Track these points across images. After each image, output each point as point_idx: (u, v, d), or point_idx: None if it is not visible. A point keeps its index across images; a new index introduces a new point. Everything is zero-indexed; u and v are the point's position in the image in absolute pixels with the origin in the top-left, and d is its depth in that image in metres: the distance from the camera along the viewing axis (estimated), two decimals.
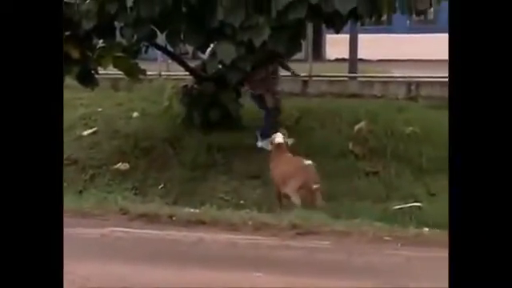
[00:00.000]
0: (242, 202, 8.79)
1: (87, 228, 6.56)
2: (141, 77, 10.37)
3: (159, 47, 10.60)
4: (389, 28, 18.66)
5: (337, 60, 17.52)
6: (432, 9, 11.30)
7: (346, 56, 14.02)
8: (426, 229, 6.84)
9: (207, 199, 8.62)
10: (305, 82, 13.06)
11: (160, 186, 9.47)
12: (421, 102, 12.03)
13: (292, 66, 10.57)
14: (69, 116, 10.74)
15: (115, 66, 10.00)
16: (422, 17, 16.74)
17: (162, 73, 13.85)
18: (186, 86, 10.68)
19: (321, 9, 7.97)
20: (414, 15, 9.13)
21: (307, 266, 5.71)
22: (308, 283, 5.31)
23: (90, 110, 11.80)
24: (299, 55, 10.13)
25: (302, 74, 12.41)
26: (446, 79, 12.09)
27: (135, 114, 11.60)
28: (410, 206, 8.31)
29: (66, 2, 8.28)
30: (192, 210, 7.47)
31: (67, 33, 8.80)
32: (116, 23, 9.08)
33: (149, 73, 10.88)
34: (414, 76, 13.20)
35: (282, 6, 7.92)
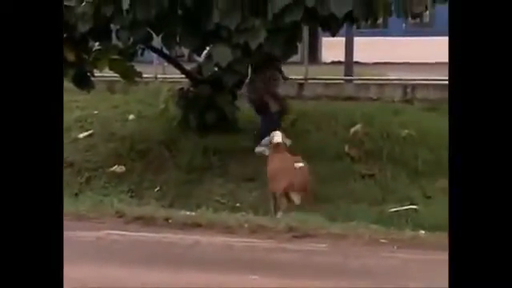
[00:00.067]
0: (238, 204, 8.79)
1: (83, 231, 6.55)
2: (137, 79, 10.37)
3: (155, 50, 10.60)
4: (385, 31, 18.71)
5: (333, 63, 17.54)
6: (427, 12, 11.32)
7: (342, 59, 14.03)
8: (422, 231, 6.85)
9: (203, 202, 8.61)
10: (301, 85, 13.06)
11: (156, 189, 9.46)
12: (416, 104, 12.05)
13: (288, 68, 10.57)
14: (65, 118, 10.66)
15: (111, 69, 9.99)
16: (418, 20, 16.75)
17: (158, 75, 13.84)
18: (182, 88, 10.68)
19: (317, 12, 7.99)
20: (409, 18, 9.14)
21: (303, 268, 5.71)
22: (304, 286, 5.31)
23: (86, 112, 11.79)
24: (295, 58, 10.17)
25: (298, 77, 12.43)
26: (442, 82, 12.19)
27: (131, 117, 11.59)
28: (406, 209, 8.32)
29: None
30: (188, 213, 7.47)
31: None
32: (112, 26, 9.08)
33: (145, 75, 10.88)
34: (409, 79, 13.22)
35: (278, 9, 7.94)
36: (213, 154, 9.81)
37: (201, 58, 9.96)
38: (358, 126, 10.30)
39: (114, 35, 9.22)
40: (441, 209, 7.80)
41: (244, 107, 10.67)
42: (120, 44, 9.32)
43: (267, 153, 8.76)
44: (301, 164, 7.88)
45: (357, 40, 13.51)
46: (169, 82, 12.69)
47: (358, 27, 10.08)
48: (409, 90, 12.72)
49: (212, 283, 5.33)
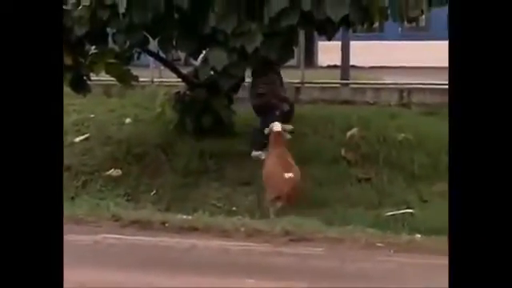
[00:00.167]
0: (234, 208, 8.79)
1: (80, 235, 6.54)
2: (133, 83, 10.36)
3: (151, 53, 10.60)
4: (381, 35, 18.70)
5: (329, 67, 17.54)
6: (423, 16, 11.34)
7: (338, 63, 14.04)
8: (419, 235, 6.86)
9: (199, 206, 8.61)
10: (297, 89, 13.06)
11: (152, 193, 9.45)
12: (413, 108, 12.06)
13: (284, 72, 10.55)
14: None
15: (107, 73, 9.98)
16: (414, 24, 16.77)
17: (155, 79, 13.83)
18: (178, 92, 10.68)
19: (313, 16, 8.00)
20: (405, 22, 9.14)
21: (300, 272, 5.71)
22: None
23: (83, 116, 11.77)
24: (291, 62, 10.14)
25: (295, 81, 12.43)
26: (438, 86, 12.21)
27: (128, 121, 11.58)
28: (403, 213, 8.33)
29: None
30: (184, 217, 7.47)
31: None
32: (108, 29, 9.07)
33: (141, 79, 10.87)
34: (406, 83, 13.22)
35: (275, 13, 7.95)
36: (209, 158, 9.81)
37: (197, 62, 9.96)
38: (354, 130, 10.31)
39: (110, 39, 9.22)
40: (437, 213, 7.81)
41: (240, 111, 10.67)
42: (116, 48, 9.32)
43: (263, 157, 8.80)
44: (290, 174, 7.86)
45: (353, 44, 13.52)
46: (165, 85, 12.68)
47: (354, 31, 10.09)
48: (405, 93, 12.73)
49: (208, 287, 5.33)
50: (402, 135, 10.04)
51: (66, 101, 11.44)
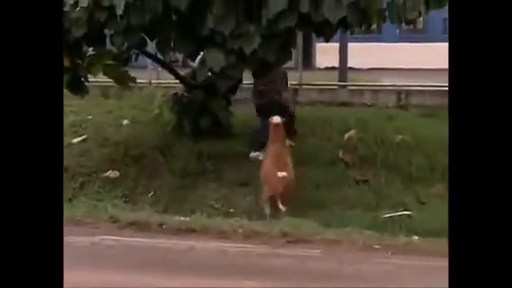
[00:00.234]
0: (232, 210, 8.78)
1: (77, 236, 6.54)
2: (131, 84, 10.35)
3: (149, 55, 10.59)
4: (379, 37, 18.74)
5: (327, 68, 17.55)
6: (421, 18, 11.34)
7: (336, 65, 14.04)
8: (416, 237, 6.87)
9: (197, 207, 8.61)
10: (295, 91, 13.06)
11: (150, 194, 9.44)
12: (411, 110, 12.06)
13: None
14: None
15: (105, 74, 9.98)
16: (412, 26, 16.79)
17: (152, 81, 13.82)
18: (176, 93, 10.68)
19: (311, 18, 8.01)
20: (403, 24, 9.15)
21: (298, 274, 5.72)
22: None
23: (80, 117, 11.77)
24: (289, 64, 10.16)
25: (293, 83, 12.42)
26: (436, 88, 12.22)
27: (125, 122, 11.58)
28: (400, 215, 8.33)
29: None
30: (182, 218, 7.47)
31: None
32: (106, 31, 9.06)
33: (139, 80, 10.87)
34: (403, 85, 13.23)
35: (273, 15, 7.95)
36: (207, 159, 9.80)
37: (195, 64, 9.96)
38: (352, 132, 10.31)
39: (108, 40, 9.21)
40: (435, 215, 7.83)
41: (238, 112, 10.68)
42: (114, 49, 9.31)
43: (261, 157, 8.82)
44: (284, 173, 7.99)
45: (351, 46, 13.52)
46: (163, 87, 12.69)
47: (352, 33, 10.08)
48: (403, 95, 12.74)
49: None
50: (400, 137, 10.05)
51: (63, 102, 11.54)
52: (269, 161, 8.35)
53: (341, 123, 10.71)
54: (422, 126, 10.72)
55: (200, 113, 10.17)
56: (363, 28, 9.11)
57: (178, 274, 5.66)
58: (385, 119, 11.08)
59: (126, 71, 10.06)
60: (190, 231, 6.93)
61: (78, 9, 8.47)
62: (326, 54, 16.59)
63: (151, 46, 9.70)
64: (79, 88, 9.99)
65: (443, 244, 6.24)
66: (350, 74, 13.71)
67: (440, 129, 9.86)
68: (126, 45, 9.05)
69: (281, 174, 7.98)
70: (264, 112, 9.57)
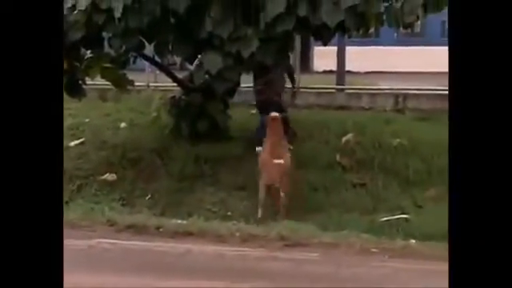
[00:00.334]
0: (229, 213, 8.78)
1: (74, 239, 6.52)
2: (129, 87, 10.34)
3: (147, 58, 10.59)
4: (376, 40, 18.77)
5: (324, 72, 17.55)
6: (419, 22, 11.37)
7: (334, 68, 14.04)
8: (413, 241, 6.87)
9: (195, 210, 8.61)
10: (293, 94, 13.06)
11: (147, 197, 9.44)
12: (408, 114, 12.06)
13: None
14: None
15: (103, 77, 9.97)
16: (409, 29, 16.83)
17: (150, 83, 13.81)
18: (173, 96, 10.68)
19: (309, 21, 8.02)
20: (401, 28, 9.16)
21: (295, 277, 5.71)
22: None
23: (78, 120, 11.76)
24: None
25: (290, 86, 12.42)
26: (433, 91, 12.23)
27: (123, 125, 11.57)
28: (397, 218, 8.33)
29: None
30: (179, 222, 7.47)
31: None
32: (104, 34, 9.06)
33: (137, 83, 10.86)
34: (401, 88, 13.22)
35: (271, 18, 7.96)
36: (204, 163, 9.80)
37: (193, 67, 9.96)
38: (349, 135, 10.32)
39: (106, 43, 9.21)
40: (432, 218, 7.83)
41: (236, 116, 10.68)
42: (112, 52, 9.30)
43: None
44: (280, 161, 8.28)
45: (348, 49, 13.54)
46: (161, 90, 12.68)
47: (350, 36, 10.10)
48: (400, 99, 12.74)
49: None
50: (397, 140, 10.05)
51: None
52: (266, 150, 8.60)
53: (338, 127, 10.71)
54: (420, 129, 10.73)
55: (198, 116, 10.17)
56: (361, 32, 9.14)
57: (175, 277, 5.65)
58: (382, 123, 11.08)
59: (124, 74, 10.05)
60: (187, 234, 6.93)
61: (75, 12, 8.48)
62: (323, 57, 16.59)
63: (149, 49, 9.71)
64: (77, 91, 9.98)
65: (440, 248, 6.26)
66: (347, 78, 13.72)
67: (437, 132, 9.88)
68: (123, 47, 9.05)
69: (277, 161, 8.24)
70: (264, 109, 9.66)
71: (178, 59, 13.32)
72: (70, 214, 7.60)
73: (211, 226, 7.24)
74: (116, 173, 9.89)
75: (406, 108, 12.44)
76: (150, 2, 8.28)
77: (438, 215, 7.79)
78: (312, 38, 11.23)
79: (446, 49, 3.30)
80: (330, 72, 15.31)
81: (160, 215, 8.47)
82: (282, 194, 8.07)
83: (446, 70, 3.14)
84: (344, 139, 10.26)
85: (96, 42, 9.19)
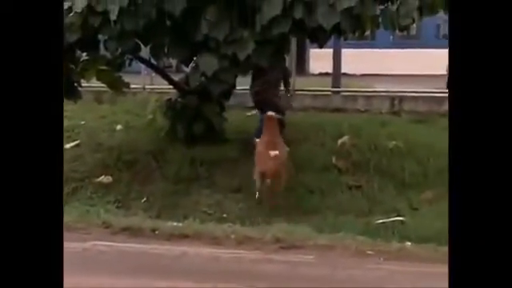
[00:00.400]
0: (224, 215, 8.77)
1: (69, 242, 6.48)
2: (124, 90, 10.33)
3: (143, 60, 10.59)
4: (372, 43, 18.79)
5: (320, 74, 17.57)
6: (414, 24, 11.38)
7: (330, 70, 14.05)
8: (409, 243, 6.88)
9: (190, 213, 8.60)
10: (288, 96, 13.07)
11: (143, 200, 9.42)
12: (404, 116, 12.08)
13: None
14: None
15: (99, 79, 9.96)
16: (405, 32, 16.88)
17: (146, 86, 13.80)
18: (169, 99, 10.67)
19: (304, 24, 8.03)
20: (396, 31, 9.18)
21: (290, 279, 5.71)
22: None
23: (73, 122, 11.74)
24: None
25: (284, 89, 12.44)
26: (429, 94, 12.25)
27: (119, 127, 11.56)
28: (393, 221, 8.33)
29: None
30: (175, 224, 7.46)
31: None
32: (100, 36, 9.06)
33: (132, 86, 10.85)
34: (397, 91, 13.24)
35: (267, 21, 7.97)
36: (200, 165, 9.79)
37: (188, 69, 9.96)
38: (345, 138, 10.32)
39: (101, 46, 9.21)
40: (427, 220, 7.84)
41: (232, 118, 10.68)
42: (108, 54, 9.30)
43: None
44: (276, 152, 8.49)
45: (344, 52, 13.55)
46: (157, 92, 12.67)
47: (346, 39, 10.11)
48: (396, 101, 12.76)
49: None
50: (393, 143, 10.06)
51: None
52: (262, 143, 8.78)
53: (334, 129, 10.72)
54: (415, 132, 10.75)
55: (193, 118, 10.16)
56: (357, 34, 9.16)
57: (170, 279, 5.64)
58: (378, 125, 11.09)
59: (120, 76, 10.04)
60: (182, 237, 6.93)
61: (71, 14, 8.47)
62: (319, 59, 16.62)
63: (145, 52, 9.70)
64: (72, 93, 9.96)
65: (436, 250, 6.28)
66: (343, 80, 13.73)
67: (433, 135, 9.90)
68: (119, 50, 9.05)
69: (273, 153, 8.44)
70: (261, 108, 9.76)
71: (173, 61, 13.29)
72: (66, 216, 7.52)
73: (207, 228, 7.24)
74: (112, 175, 9.88)
75: (401, 110, 12.46)
76: (145, 5, 8.29)
77: (433, 217, 7.81)
78: (308, 41, 11.24)
79: (441, 51, 3.31)
80: (326, 74, 15.33)
81: (155, 217, 8.46)
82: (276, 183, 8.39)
83: (442, 72, 3.15)
84: (340, 141, 10.27)
85: (92, 44, 9.19)
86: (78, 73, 9.67)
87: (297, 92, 13.15)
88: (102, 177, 9.84)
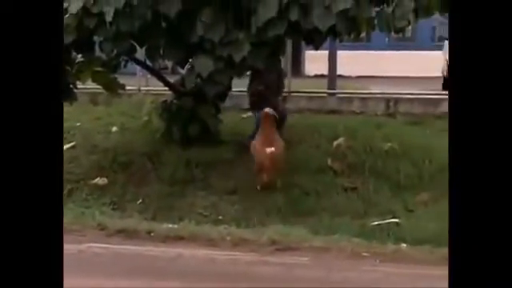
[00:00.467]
0: (220, 217, 8.76)
1: (64, 244, 6.46)
2: (120, 91, 10.31)
3: (138, 62, 10.58)
4: (368, 45, 18.85)
5: (316, 76, 17.60)
6: (410, 26, 11.40)
7: (325, 72, 14.06)
8: (404, 245, 6.87)
9: (186, 215, 8.59)
10: (284, 98, 13.08)
11: (138, 201, 9.41)
12: (399, 118, 12.10)
13: None
14: None
15: (94, 81, 9.95)
16: (401, 34, 16.91)
17: (142, 87, 13.80)
18: (165, 100, 10.66)
19: (300, 25, 8.03)
20: (392, 33, 9.19)
21: (286, 281, 5.71)
22: None
23: (69, 124, 11.70)
24: None
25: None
26: (424, 96, 12.27)
27: (114, 129, 11.55)
28: (388, 222, 8.33)
29: None
30: (170, 226, 7.45)
31: None
32: (95, 38, 9.06)
33: (128, 87, 10.83)
34: (392, 92, 13.27)
35: (262, 23, 7.97)
36: (195, 167, 9.79)
37: (184, 71, 9.96)
38: (340, 140, 10.32)
39: (97, 47, 9.20)
40: (423, 222, 7.84)
41: (227, 120, 10.68)
42: (103, 56, 9.29)
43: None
44: (272, 149, 8.70)
45: (340, 54, 13.57)
46: (152, 94, 12.67)
47: (341, 41, 10.12)
48: (391, 103, 12.78)
49: None
50: (388, 145, 10.06)
51: None
52: (259, 140, 8.94)
53: (329, 131, 10.72)
54: (411, 133, 10.76)
55: (189, 120, 10.16)
56: (352, 36, 9.15)
57: (166, 281, 5.64)
58: (373, 127, 11.10)
59: (115, 78, 10.03)
60: (178, 239, 6.92)
61: (67, 15, 8.46)
62: (315, 61, 16.65)
63: (140, 53, 9.69)
64: (68, 94, 9.93)
65: (431, 252, 6.28)
66: (339, 82, 13.74)
67: (428, 136, 9.91)
68: (115, 51, 9.04)
69: (269, 149, 8.63)
70: (256, 108, 9.77)
71: (169, 63, 13.29)
72: None
73: (202, 230, 7.23)
74: (107, 177, 9.86)
75: (397, 112, 12.48)
76: (141, 6, 8.29)
77: (428, 219, 7.81)
78: (303, 43, 11.23)
79: (436, 53, 3.32)
80: (322, 76, 15.35)
81: (151, 219, 8.45)
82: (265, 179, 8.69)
83: (437, 74, 3.15)
84: (335, 143, 10.27)
85: (87, 45, 9.17)
86: (74, 74, 9.65)
87: (292, 94, 13.17)
88: (98, 179, 9.83)
